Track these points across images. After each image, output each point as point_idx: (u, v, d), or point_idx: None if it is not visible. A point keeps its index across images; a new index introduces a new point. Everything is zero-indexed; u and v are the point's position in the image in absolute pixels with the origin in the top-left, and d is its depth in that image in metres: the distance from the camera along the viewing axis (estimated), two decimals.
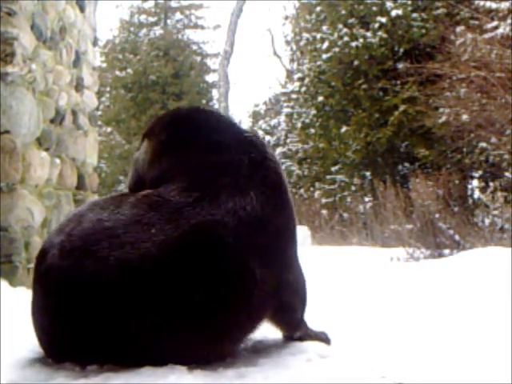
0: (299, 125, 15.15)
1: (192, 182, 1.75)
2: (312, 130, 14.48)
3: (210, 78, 23.24)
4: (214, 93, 22.78)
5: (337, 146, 13.46)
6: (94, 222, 1.68)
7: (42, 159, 4.13)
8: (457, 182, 9.63)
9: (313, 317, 2.00)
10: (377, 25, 12.19)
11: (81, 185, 5.12)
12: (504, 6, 8.93)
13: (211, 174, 1.77)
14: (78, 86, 5.16)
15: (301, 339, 1.91)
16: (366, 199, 12.04)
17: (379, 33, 12.16)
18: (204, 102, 22.47)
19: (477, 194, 10.67)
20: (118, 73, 21.84)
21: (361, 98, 12.57)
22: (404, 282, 3.99)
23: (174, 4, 23.46)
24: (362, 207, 11.89)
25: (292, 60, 19.31)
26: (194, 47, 23.32)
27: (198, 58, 23.14)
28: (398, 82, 11.59)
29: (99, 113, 19.69)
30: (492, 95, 8.55)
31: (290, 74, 19.44)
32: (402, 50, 12.15)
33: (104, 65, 21.49)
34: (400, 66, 11.76)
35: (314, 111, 14.05)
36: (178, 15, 23.57)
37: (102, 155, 17.04)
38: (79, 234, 1.66)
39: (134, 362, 1.56)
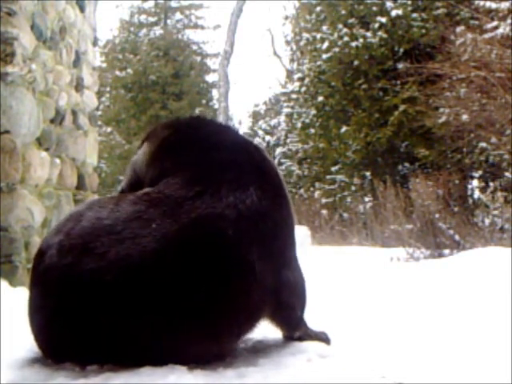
0: (299, 125, 15.16)
1: (193, 177, 1.76)
2: (312, 130, 14.49)
3: (210, 77, 23.29)
4: (214, 93, 22.82)
5: (337, 146, 13.47)
6: (93, 221, 1.68)
7: (42, 159, 4.13)
8: (457, 181, 9.63)
9: (313, 317, 2.00)
10: (377, 25, 12.19)
11: (81, 185, 5.12)
12: (504, 5, 8.93)
13: (212, 170, 1.79)
14: (78, 86, 5.16)
15: (300, 339, 1.91)
16: (366, 199, 12.04)
17: (379, 33, 12.16)
18: (204, 101, 22.49)
19: (477, 194, 10.67)
20: (118, 73, 21.86)
21: (361, 98, 12.57)
22: (404, 282, 3.99)
23: (173, 4, 23.47)
24: (362, 207, 11.89)
25: (292, 60, 19.33)
26: (194, 47, 23.34)
27: (198, 58, 23.15)
28: (398, 82, 11.60)
29: (99, 113, 19.70)
30: (492, 95, 8.55)
31: (290, 74, 19.45)
32: (402, 49, 12.15)
33: (104, 65, 21.50)
34: (400, 66, 11.76)
35: (314, 111, 14.06)
36: (178, 15, 23.59)
37: (102, 155, 17.05)
38: (78, 232, 1.66)
39: (133, 361, 1.56)
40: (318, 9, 14.09)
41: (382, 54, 12.15)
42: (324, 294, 3.15)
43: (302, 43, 15.20)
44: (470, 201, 10.70)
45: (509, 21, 8.63)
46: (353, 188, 12.96)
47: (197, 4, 23.40)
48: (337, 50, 12.64)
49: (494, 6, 9.14)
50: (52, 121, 4.43)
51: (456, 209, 7.98)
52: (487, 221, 7.30)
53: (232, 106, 30.05)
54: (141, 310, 1.56)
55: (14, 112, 3.68)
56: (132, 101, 21.16)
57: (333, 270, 5.06)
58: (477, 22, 9.72)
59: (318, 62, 13.36)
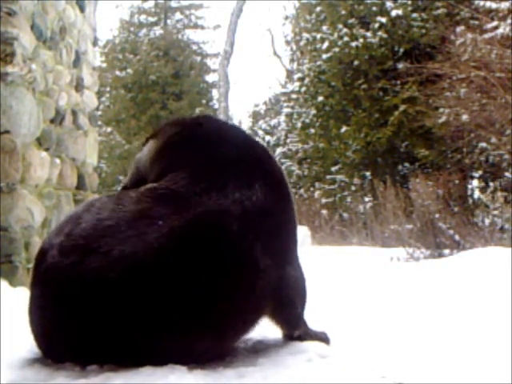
0: (299, 125, 15.16)
1: (200, 173, 1.76)
2: (312, 130, 14.49)
3: (210, 78, 23.29)
4: (214, 93, 22.82)
5: (337, 146, 13.47)
6: (94, 222, 1.66)
7: (42, 159, 4.13)
8: (457, 182, 9.63)
9: (313, 317, 2.00)
10: (377, 25, 12.19)
11: (81, 185, 5.12)
12: (504, 5, 8.93)
13: (219, 166, 1.79)
14: (78, 86, 5.16)
15: (300, 338, 1.91)
16: (366, 199, 12.04)
17: (379, 33, 12.16)
18: (204, 101, 22.49)
19: (477, 194, 10.67)
20: (118, 73, 21.86)
21: (361, 98, 12.57)
22: (404, 282, 4.00)
23: (174, 4, 23.47)
24: (362, 207, 11.89)
25: (292, 60, 19.33)
26: (194, 47, 23.34)
27: (198, 58, 23.15)
28: (398, 82, 11.60)
29: (99, 113, 19.70)
30: (492, 95, 8.55)
31: (290, 74, 19.45)
32: (402, 49, 12.15)
33: (104, 65, 21.49)
34: (400, 66, 11.76)
35: (314, 111, 14.06)
36: (178, 15, 23.59)
37: (102, 155, 17.05)
38: (80, 233, 1.65)
39: (135, 361, 1.55)
40: (318, 9, 14.09)
41: (382, 54, 12.15)
42: (324, 294, 3.15)
43: (302, 43, 15.20)
44: (470, 201, 10.70)
45: (509, 21, 8.63)
46: (353, 188, 12.96)
47: (197, 4, 23.40)
48: (337, 49, 12.64)
49: (494, 5, 9.14)
50: (52, 121, 4.43)
51: (456, 209, 7.98)
52: (487, 221, 7.30)
53: (232, 105, 30.07)
54: (145, 308, 1.56)
55: (14, 112, 3.68)
56: (132, 101, 21.16)
57: (333, 270, 5.06)
58: (477, 22, 9.72)
59: (318, 62, 13.35)
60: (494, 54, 8.55)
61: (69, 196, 4.80)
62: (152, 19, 23.18)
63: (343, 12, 12.92)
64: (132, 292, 1.55)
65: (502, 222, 7.02)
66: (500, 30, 8.63)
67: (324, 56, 12.96)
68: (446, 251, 6.50)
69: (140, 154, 2.05)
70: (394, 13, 12.03)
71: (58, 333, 1.63)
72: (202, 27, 23.44)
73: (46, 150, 4.27)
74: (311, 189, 14.98)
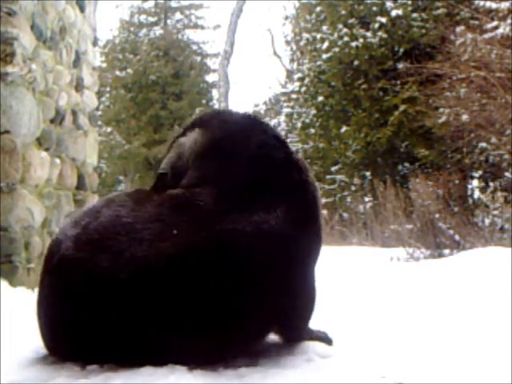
0: (299, 125, 15.16)
1: (226, 192, 1.74)
2: (312, 130, 14.49)
3: (210, 78, 23.28)
4: (214, 93, 22.82)
5: (337, 146, 13.47)
6: (111, 218, 1.67)
7: (42, 159, 4.13)
8: (457, 182, 9.62)
9: (313, 317, 2.00)
10: (377, 25, 12.19)
11: (81, 185, 5.12)
12: (504, 5, 8.93)
13: (246, 187, 1.76)
14: (78, 86, 5.16)
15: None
16: (366, 199, 12.04)
17: (379, 33, 12.16)
18: (204, 101, 22.49)
19: (477, 194, 10.67)
20: (118, 73, 21.85)
21: (361, 98, 12.57)
22: (404, 282, 3.99)
23: (174, 4, 23.46)
24: (362, 207, 11.89)
25: (292, 60, 19.33)
26: (194, 47, 23.33)
27: (198, 58, 23.14)
28: (398, 82, 11.60)
29: (99, 113, 19.69)
30: (492, 95, 8.54)
31: (290, 74, 19.45)
32: (402, 49, 12.15)
33: (104, 65, 21.49)
34: (400, 66, 11.76)
35: (314, 111, 14.05)
36: (178, 15, 23.58)
37: (102, 155, 17.06)
38: (96, 227, 1.65)
39: (139, 361, 1.55)
40: (318, 9, 14.09)
41: (382, 54, 12.15)
42: (324, 294, 3.15)
43: (302, 43, 15.20)
44: (470, 201, 10.70)
45: (509, 21, 8.63)
46: (353, 188, 12.96)
47: (197, 4, 23.40)
48: (337, 49, 12.64)
49: (494, 5, 9.14)
50: (52, 121, 4.43)
51: (456, 209, 7.97)
52: (487, 221, 7.30)
53: (232, 106, 30.01)
54: (150, 312, 1.56)
55: (14, 112, 3.68)
56: (132, 101, 21.15)
57: (333, 270, 5.05)
58: (477, 22, 9.71)
59: (318, 62, 13.35)
60: (494, 54, 8.54)
61: (69, 196, 4.80)
62: (152, 19, 23.17)
63: (343, 12, 12.92)
64: (138, 294, 1.56)
65: (502, 221, 7.02)
66: (500, 30, 8.63)
67: (324, 56, 12.96)
68: (446, 251, 6.50)
69: (184, 140, 1.98)
70: (394, 13, 12.03)
71: (64, 325, 1.63)
72: (202, 27, 23.44)
73: (46, 149, 4.27)
74: None
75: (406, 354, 1.91)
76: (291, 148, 2.00)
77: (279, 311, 1.72)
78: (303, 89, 14.38)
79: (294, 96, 16.34)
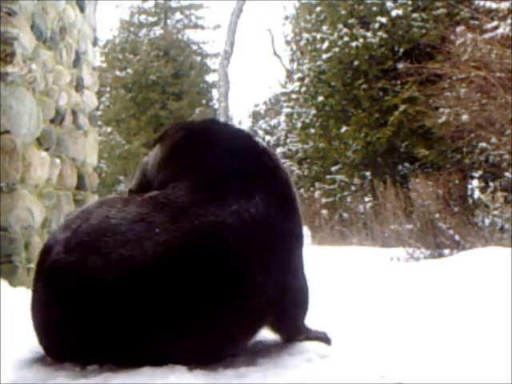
0: (299, 125, 15.15)
1: (200, 184, 1.75)
2: (312, 130, 14.48)
3: (210, 78, 23.28)
4: (214, 93, 22.82)
5: (337, 146, 13.46)
6: (100, 219, 1.69)
7: (42, 159, 4.13)
8: (457, 182, 9.62)
9: (313, 317, 2.00)
10: (377, 25, 12.19)
11: (81, 185, 5.12)
12: (504, 5, 8.92)
13: (221, 177, 1.78)
14: (78, 86, 5.16)
15: (301, 341, 1.91)
16: (366, 199, 12.03)
17: (379, 33, 12.15)
18: (204, 101, 22.49)
19: (477, 194, 10.66)
20: (118, 73, 21.85)
21: (361, 98, 12.56)
22: (404, 282, 3.99)
23: (174, 4, 23.46)
24: (361, 207, 11.88)
25: (292, 60, 19.32)
26: (194, 47, 23.33)
27: (198, 58, 23.14)
28: (398, 82, 11.59)
29: (99, 113, 19.69)
30: (492, 95, 8.54)
31: (290, 74, 19.45)
32: (402, 49, 12.14)
33: (104, 65, 21.49)
34: (400, 66, 11.75)
35: (314, 111, 14.05)
36: (178, 15, 23.58)
37: (102, 155, 17.06)
38: (85, 230, 1.67)
39: (134, 361, 1.56)
40: (318, 9, 14.08)
41: (382, 54, 12.14)
42: (324, 294, 3.15)
43: (302, 43, 15.19)
44: (470, 201, 10.70)
45: (509, 21, 8.63)
46: (353, 188, 12.95)
47: (197, 4, 23.40)
48: (337, 49, 12.63)
49: (494, 5, 9.13)
50: (52, 121, 4.43)
51: (456, 209, 7.97)
52: (487, 221, 7.30)
53: (232, 106, 30.04)
54: (140, 311, 1.57)
55: (14, 112, 3.68)
56: (132, 101, 21.16)
57: (333, 270, 5.06)
58: (477, 22, 9.71)
59: (318, 62, 13.35)
60: (494, 54, 8.54)
61: (69, 196, 4.80)
62: (152, 19, 23.17)
63: (343, 12, 12.91)
64: (128, 294, 1.57)
65: (502, 222, 7.02)
66: (500, 30, 8.62)
67: (324, 56, 12.96)
68: (446, 251, 6.49)
69: (147, 159, 2.05)
70: (394, 13, 12.03)
71: (59, 329, 1.64)
72: (202, 27, 23.44)
73: (46, 149, 4.27)
74: (311, 189, 14.98)
75: (406, 354, 1.91)
76: (256, 138, 2.03)
77: (271, 301, 1.71)
78: (303, 89, 14.38)
79: (294, 96, 16.34)
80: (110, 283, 1.57)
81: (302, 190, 15.19)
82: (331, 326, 2.11)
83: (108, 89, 21.97)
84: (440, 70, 9.46)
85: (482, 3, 9.41)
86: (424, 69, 10.18)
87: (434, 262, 5.31)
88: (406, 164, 12.61)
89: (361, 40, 12.21)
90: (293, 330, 1.88)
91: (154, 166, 1.99)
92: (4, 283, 3.35)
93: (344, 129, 12.88)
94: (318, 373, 1.61)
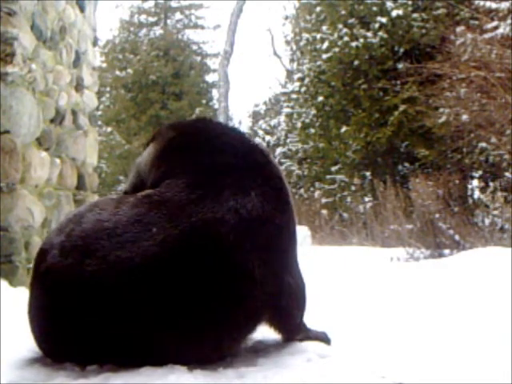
0: (299, 125, 15.15)
1: (194, 181, 1.75)
2: (312, 130, 14.48)
3: (210, 78, 23.28)
4: (214, 93, 22.82)
5: (337, 145, 13.47)
6: (94, 223, 1.68)
7: (42, 159, 4.13)
8: (457, 182, 9.62)
9: (313, 317, 2.00)
10: (377, 25, 12.19)
11: (81, 185, 5.12)
12: (504, 5, 8.92)
13: (214, 174, 1.78)
14: (78, 86, 5.16)
15: (301, 340, 1.91)
16: (366, 199, 12.03)
17: (379, 33, 12.16)
18: (204, 101, 22.49)
19: (477, 193, 10.66)
20: (118, 73, 21.86)
21: (361, 98, 12.57)
22: (404, 282, 3.99)
23: (174, 4, 23.47)
24: (361, 207, 11.88)
25: (292, 60, 19.30)
26: (194, 47, 23.34)
27: (198, 58, 23.15)
28: (398, 82, 11.59)
29: (99, 113, 19.70)
30: (492, 95, 8.54)
31: (289, 74, 19.44)
32: (402, 50, 12.15)
33: (104, 65, 21.49)
34: (400, 66, 11.76)
35: (314, 111, 14.05)
36: (178, 15, 23.59)
37: (102, 155, 17.05)
38: (79, 234, 1.67)
39: (133, 362, 1.56)
40: (318, 9, 14.08)
41: (382, 54, 12.14)
42: (324, 294, 3.15)
43: (302, 43, 15.19)
44: (470, 201, 10.69)
45: (509, 21, 8.63)
46: (353, 188, 12.95)
47: (197, 4, 23.40)
48: (337, 50, 12.63)
49: (494, 5, 9.13)
50: (52, 121, 4.43)
51: (456, 209, 7.96)
52: (487, 221, 7.30)
53: (232, 105, 30.04)
54: (140, 313, 1.57)
55: (14, 112, 3.68)
56: (132, 101, 21.16)
57: (333, 270, 5.06)
58: (477, 22, 9.71)
59: (318, 62, 13.35)
60: (494, 54, 8.54)
61: (69, 196, 4.80)
62: (152, 19, 23.18)
63: (343, 12, 12.91)
64: (127, 295, 1.57)
65: (501, 221, 7.02)
66: (500, 30, 8.62)
67: (324, 56, 12.95)
68: (446, 251, 6.49)
69: (140, 159, 2.05)
70: (394, 13, 12.03)
71: (57, 333, 1.64)
72: (202, 27, 23.44)
73: (46, 149, 4.27)
74: (311, 189, 14.98)
75: (406, 354, 1.91)
76: (249, 137, 2.05)
77: (269, 297, 1.71)
78: (303, 89, 14.38)
79: (294, 96, 16.33)
80: (107, 285, 1.56)
81: (302, 190, 15.20)
82: (331, 326, 2.11)
83: (108, 89, 21.98)
84: (440, 70, 9.45)
85: (482, 3, 9.41)
86: (424, 69, 10.18)
87: (433, 262, 5.31)
88: (406, 164, 12.61)
89: (361, 40, 12.21)
90: (291, 327, 1.88)
91: (146, 165, 1.99)
92: (4, 283, 3.35)
93: (344, 129, 12.88)
94: (318, 373, 1.61)
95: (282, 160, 17.03)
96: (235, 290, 1.63)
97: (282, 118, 18.90)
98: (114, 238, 1.61)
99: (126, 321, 1.56)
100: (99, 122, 19.03)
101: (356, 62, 12.45)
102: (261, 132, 19.96)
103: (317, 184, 14.84)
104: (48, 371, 1.59)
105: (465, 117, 8.99)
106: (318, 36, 13.30)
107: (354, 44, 12.27)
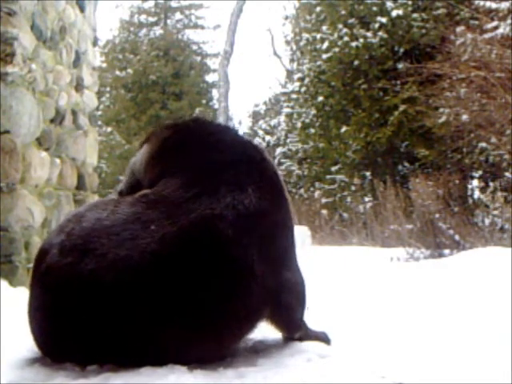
0: (299, 125, 15.15)
1: (191, 178, 1.76)
2: (312, 130, 14.48)
3: (210, 78, 23.29)
4: (214, 93, 22.82)
5: (337, 145, 13.47)
6: (93, 222, 1.68)
7: (42, 159, 4.13)
8: (457, 182, 9.62)
9: (313, 317, 2.00)
10: (377, 25, 12.19)
11: (81, 185, 5.12)
12: (504, 5, 8.92)
13: (210, 171, 1.79)
14: (78, 86, 5.16)
15: (301, 340, 1.91)
16: (366, 199, 12.03)
17: (379, 33, 12.16)
18: (204, 101, 22.50)
19: (477, 193, 10.66)
20: (118, 73, 21.86)
21: (361, 98, 12.57)
22: (404, 282, 3.99)
23: (174, 4, 23.47)
24: (361, 207, 11.88)
25: (292, 60, 19.31)
26: (194, 47, 23.35)
27: (198, 58, 23.16)
28: (398, 82, 11.59)
29: (99, 113, 19.70)
30: (492, 95, 8.54)
31: (289, 74, 19.44)
32: (402, 50, 12.15)
33: (104, 65, 21.49)
34: (400, 65, 11.76)
35: (314, 111, 14.05)
36: (178, 15, 23.60)
37: (102, 155, 17.04)
38: (79, 233, 1.67)
39: (134, 360, 1.56)
40: (318, 9, 14.08)
41: (382, 54, 12.14)
42: (324, 294, 3.15)
43: (302, 43, 15.19)
44: (470, 201, 10.69)
45: (509, 21, 8.63)
46: (353, 188, 12.95)
47: (197, 4, 23.40)
48: (337, 50, 12.63)
49: (494, 5, 9.13)
50: (52, 121, 4.43)
51: (456, 209, 7.96)
52: (487, 221, 7.30)
53: (232, 105, 30.04)
54: (140, 311, 1.56)
55: (14, 112, 3.68)
56: (132, 101, 21.16)
57: (333, 270, 5.06)
58: (477, 22, 9.71)
59: (318, 62, 13.35)
60: (494, 54, 8.54)
61: (69, 196, 4.80)
62: (152, 19, 23.18)
63: (343, 12, 12.91)
64: (127, 294, 1.56)
65: (501, 221, 7.02)
66: (500, 30, 8.62)
67: (324, 56, 12.95)
68: (446, 251, 6.49)
69: (134, 159, 2.06)
70: (394, 13, 12.03)
71: (57, 333, 1.64)
72: (202, 27, 23.45)
73: (46, 149, 4.27)
74: (311, 189, 14.98)
75: (406, 353, 1.91)
76: (242, 134, 2.07)
77: (269, 294, 1.71)
78: (303, 89, 14.38)
79: (294, 96, 16.33)
80: (106, 284, 1.56)
81: (302, 190, 15.20)
82: (331, 326, 2.11)
83: (108, 89, 21.99)
84: (440, 70, 9.45)
85: (482, 3, 9.40)
86: (424, 69, 10.18)
87: (434, 262, 5.31)
88: (406, 164, 12.62)
89: (361, 40, 12.21)
90: (291, 323, 1.88)
91: (141, 165, 2.00)
92: (4, 283, 3.35)
93: (344, 129, 12.88)
94: (318, 373, 1.61)
95: (282, 160, 17.04)
96: (235, 286, 1.63)
97: (282, 118, 18.91)
98: (112, 236, 1.61)
99: (126, 319, 1.56)
100: (99, 122, 19.03)
101: (356, 62, 12.45)
102: (261, 132, 19.97)
103: (317, 184, 14.84)
104: (48, 371, 1.59)
105: (465, 117, 8.99)
106: (318, 36, 13.30)
107: (354, 44, 12.27)
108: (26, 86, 3.87)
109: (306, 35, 14.29)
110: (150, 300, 1.56)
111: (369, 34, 12.24)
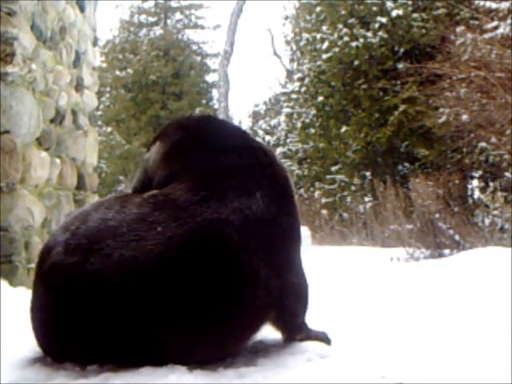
0: (299, 125, 15.15)
1: (200, 182, 1.76)
2: (312, 130, 14.48)
3: (210, 78, 23.28)
4: (214, 93, 22.82)
5: (337, 145, 13.46)
6: (99, 221, 1.68)
7: (42, 159, 4.13)
8: (457, 181, 9.61)
9: (313, 317, 2.00)
10: (377, 25, 12.19)
11: (81, 185, 5.12)
12: (504, 5, 8.91)
13: (219, 175, 1.78)
14: (78, 86, 5.16)
15: (301, 340, 1.91)
16: (366, 199, 12.03)
17: (379, 33, 12.15)
18: (204, 102, 22.49)
19: (477, 193, 10.65)
20: (118, 73, 21.85)
21: (361, 98, 12.56)
22: (404, 282, 3.99)
23: (174, 4, 23.46)
24: (361, 207, 11.88)
25: (292, 60, 19.31)
26: (194, 47, 23.34)
27: (198, 58, 23.15)
28: (398, 82, 11.59)
29: (99, 113, 19.69)
30: (492, 95, 8.54)
31: (289, 74, 19.44)
32: (402, 50, 12.14)
33: (104, 65, 21.49)
34: (400, 65, 11.76)
35: (314, 111, 14.05)
36: (178, 15, 23.59)
37: (102, 155, 17.04)
38: (84, 232, 1.67)
39: (136, 361, 1.55)
40: (318, 9, 14.08)
41: (382, 54, 12.14)
42: (324, 294, 3.15)
43: (302, 43, 15.19)
44: (470, 201, 10.68)
45: (509, 21, 8.62)
46: (353, 188, 12.95)
47: (197, 4, 23.40)
48: (337, 50, 12.63)
49: (494, 5, 9.12)
50: (52, 121, 4.43)
51: (456, 209, 7.96)
52: (487, 221, 7.30)
53: (232, 106, 30.05)
54: (144, 312, 1.56)
55: (14, 112, 3.68)
56: (132, 101, 21.16)
57: (333, 270, 5.06)
58: (477, 22, 9.70)
59: (318, 62, 13.35)
60: (494, 54, 8.54)
61: (69, 196, 4.80)
62: (152, 19, 23.17)
63: (343, 12, 12.91)
64: (131, 294, 1.56)
65: (501, 221, 7.01)
66: (500, 30, 8.61)
67: (324, 56, 12.95)
68: (446, 251, 6.49)
69: (147, 155, 2.05)
70: (394, 13, 12.03)
71: (60, 333, 1.64)
72: (202, 27, 23.44)
73: (46, 149, 4.27)
74: (311, 189, 14.98)
75: (406, 353, 1.91)
76: (253, 137, 2.06)
77: (273, 298, 1.71)
78: (303, 89, 14.38)
79: (294, 96, 16.33)
80: (111, 284, 1.56)
81: (301, 190, 15.19)
82: (331, 326, 2.11)
83: (108, 89, 21.98)
84: (440, 70, 9.45)
85: (482, 3, 9.40)
86: (424, 69, 10.17)
87: (434, 262, 5.31)
88: (406, 164, 12.61)
89: (361, 40, 12.21)
90: (293, 327, 1.89)
91: (154, 163, 2.00)
92: (4, 283, 3.35)
93: (344, 129, 12.88)
94: (318, 373, 1.61)
95: (282, 160, 17.04)
96: (240, 290, 1.63)
97: (282, 118, 18.91)
98: (118, 236, 1.61)
99: (129, 319, 1.56)
100: (99, 122, 19.04)
101: (356, 62, 12.45)
102: (261, 132, 19.97)
103: (317, 184, 14.84)
104: (48, 371, 1.59)
105: (465, 117, 8.98)
106: (318, 36, 13.30)
107: (354, 44, 12.27)
108: (26, 86, 3.87)
109: (306, 35, 14.28)
110: (154, 301, 1.56)
111: (369, 33, 12.24)
